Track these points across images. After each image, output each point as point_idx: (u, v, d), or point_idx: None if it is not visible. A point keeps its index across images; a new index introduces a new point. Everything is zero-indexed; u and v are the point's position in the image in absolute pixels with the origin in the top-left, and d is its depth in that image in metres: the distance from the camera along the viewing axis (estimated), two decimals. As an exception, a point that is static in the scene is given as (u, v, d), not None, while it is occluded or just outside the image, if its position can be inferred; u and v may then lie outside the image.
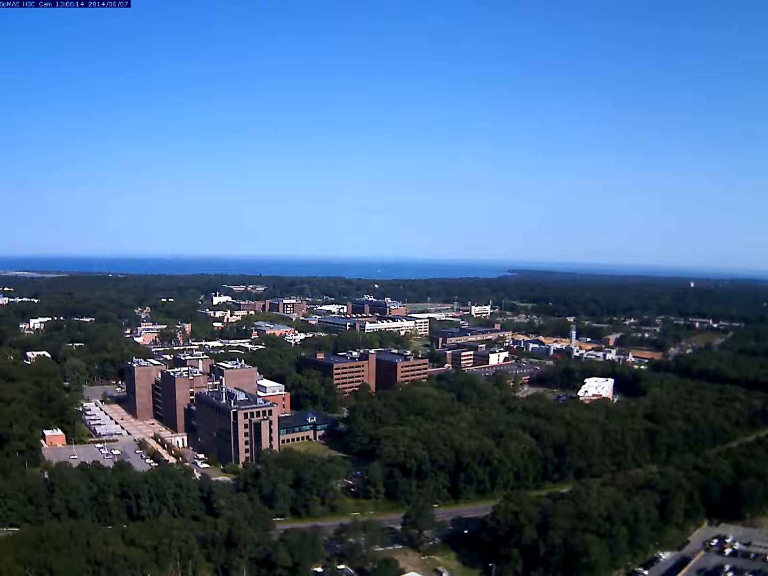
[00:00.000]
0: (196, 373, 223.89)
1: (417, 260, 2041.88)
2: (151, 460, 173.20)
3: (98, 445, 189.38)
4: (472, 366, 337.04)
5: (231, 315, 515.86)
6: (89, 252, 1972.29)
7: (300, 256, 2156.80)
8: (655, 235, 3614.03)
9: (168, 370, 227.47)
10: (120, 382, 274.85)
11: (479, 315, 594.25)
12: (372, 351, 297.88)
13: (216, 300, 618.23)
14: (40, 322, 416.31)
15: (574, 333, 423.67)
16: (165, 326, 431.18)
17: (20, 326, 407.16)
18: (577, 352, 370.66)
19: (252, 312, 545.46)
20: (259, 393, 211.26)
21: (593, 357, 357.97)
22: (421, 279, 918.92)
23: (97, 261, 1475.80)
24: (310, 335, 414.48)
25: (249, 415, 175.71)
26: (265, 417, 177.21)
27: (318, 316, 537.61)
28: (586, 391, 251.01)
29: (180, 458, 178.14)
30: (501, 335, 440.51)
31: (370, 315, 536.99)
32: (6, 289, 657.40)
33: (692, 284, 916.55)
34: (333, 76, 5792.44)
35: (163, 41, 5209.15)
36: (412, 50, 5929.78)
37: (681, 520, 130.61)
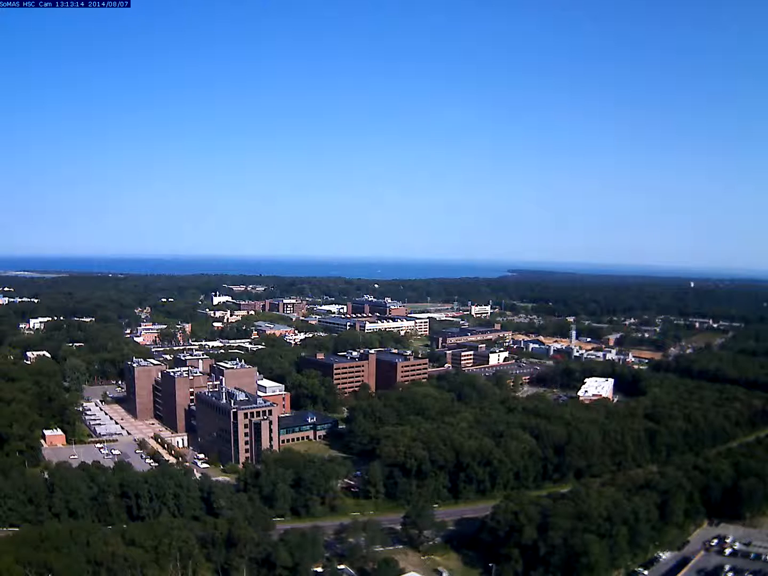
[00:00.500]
0: (196, 373, 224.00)
1: (417, 260, 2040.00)
2: (151, 460, 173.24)
3: (98, 445, 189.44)
4: (472, 366, 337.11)
5: (231, 315, 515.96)
6: (89, 252, 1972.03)
7: (300, 256, 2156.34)
8: (655, 235, 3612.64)
9: (168, 370, 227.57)
10: (120, 382, 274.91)
11: (479, 315, 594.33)
12: (372, 351, 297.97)
13: (216, 300, 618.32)
14: (40, 322, 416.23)
15: (574, 333, 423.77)
16: (165, 326, 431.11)
17: (20, 326, 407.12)
18: (577, 352, 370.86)
19: (252, 312, 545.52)
20: (259, 393, 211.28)
21: (593, 357, 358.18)
22: (421, 279, 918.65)
23: (97, 261, 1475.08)
24: (310, 335, 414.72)
25: (249, 415, 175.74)
26: (265, 417, 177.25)
27: (318, 316, 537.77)
28: (586, 391, 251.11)
29: (180, 458, 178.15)
30: (501, 335, 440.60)
31: (370, 315, 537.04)
32: (6, 289, 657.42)
33: (692, 284, 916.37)
34: (333, 76, 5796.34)
35: (163, 41, 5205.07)
36: (412, 50, 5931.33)
37: (681, 520, 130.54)
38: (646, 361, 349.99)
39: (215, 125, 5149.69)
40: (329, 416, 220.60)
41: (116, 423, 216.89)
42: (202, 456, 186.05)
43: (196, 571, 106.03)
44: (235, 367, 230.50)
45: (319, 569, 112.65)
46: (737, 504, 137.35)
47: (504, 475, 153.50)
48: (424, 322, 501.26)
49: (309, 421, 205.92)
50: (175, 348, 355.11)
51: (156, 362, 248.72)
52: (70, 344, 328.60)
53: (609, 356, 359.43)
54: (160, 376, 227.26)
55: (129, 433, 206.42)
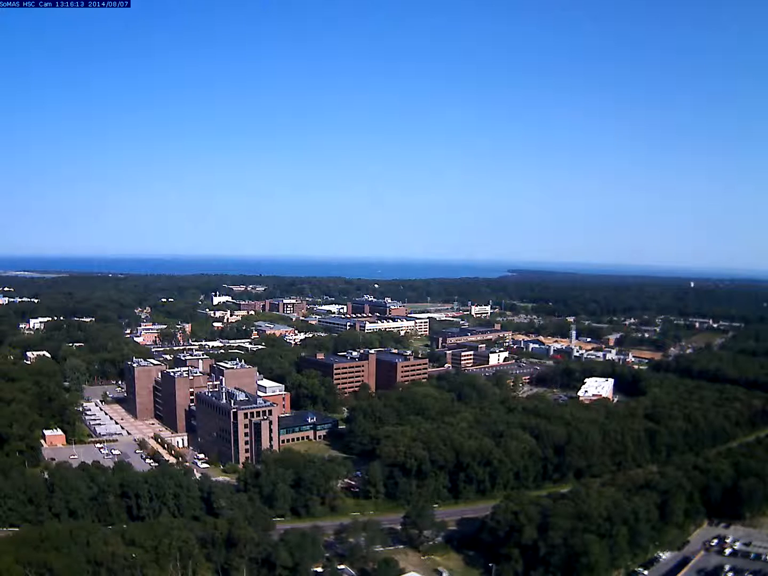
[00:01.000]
0: (196, 373, 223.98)
1: (417, 260, 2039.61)
2: (151, 460, 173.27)
3: (98, 445, 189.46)
4: (472, 366, 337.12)
5: (231, 315, 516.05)
6: (89, 252, 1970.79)
7: (300, 256, 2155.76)
8: (655, 235, 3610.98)
9: (168, 370, 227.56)
10: (120, 382, 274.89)
11: (479, 315, 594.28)
12: (372, 351, 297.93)
13: (216, 300, 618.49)
14: (40, 322, 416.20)
15: (574, 333, 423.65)
16: (165, 326, 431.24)
17: (20, 326, 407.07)
18: (577, 352, 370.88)
19: (252, 312, 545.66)
20: (259, 393, 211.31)
21: (593, 357, 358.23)
22: (421, 279, 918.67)
23: (97, 261, 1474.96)
24: (310, 335, 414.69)
25: (249, 415, 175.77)
26: (265, 417, 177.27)
27: (318, 316, 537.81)
28: (586, 391, 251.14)
29: (180, 458, 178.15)
30: (501, 335, 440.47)
31: (370, 315, 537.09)
32: (6, 289, 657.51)
33: (692, 284, 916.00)
34: (333, 76, 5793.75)
35: (163, 41, 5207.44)
36: (412, 50, 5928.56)
37: (681, 520, 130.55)
38: (646, 361, 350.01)
39: (215, 125, 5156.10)
40: (329, 416, 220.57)
41: (116, 423, 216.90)
42: (202, 456, 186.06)
43: (196, 571, 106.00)
44: (235, 367, 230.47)
45: (319, 569, 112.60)
46: (737, 504, 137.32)
47: (504, 475, 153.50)
48: (424, 322, 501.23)
49: (309, 421, 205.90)
50: (175, 348, 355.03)
51: (156, 362, 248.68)
52: (70, 344, 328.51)
53: (609, 356, 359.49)
54: (160, 376, 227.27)
55: (129, 433, 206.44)
